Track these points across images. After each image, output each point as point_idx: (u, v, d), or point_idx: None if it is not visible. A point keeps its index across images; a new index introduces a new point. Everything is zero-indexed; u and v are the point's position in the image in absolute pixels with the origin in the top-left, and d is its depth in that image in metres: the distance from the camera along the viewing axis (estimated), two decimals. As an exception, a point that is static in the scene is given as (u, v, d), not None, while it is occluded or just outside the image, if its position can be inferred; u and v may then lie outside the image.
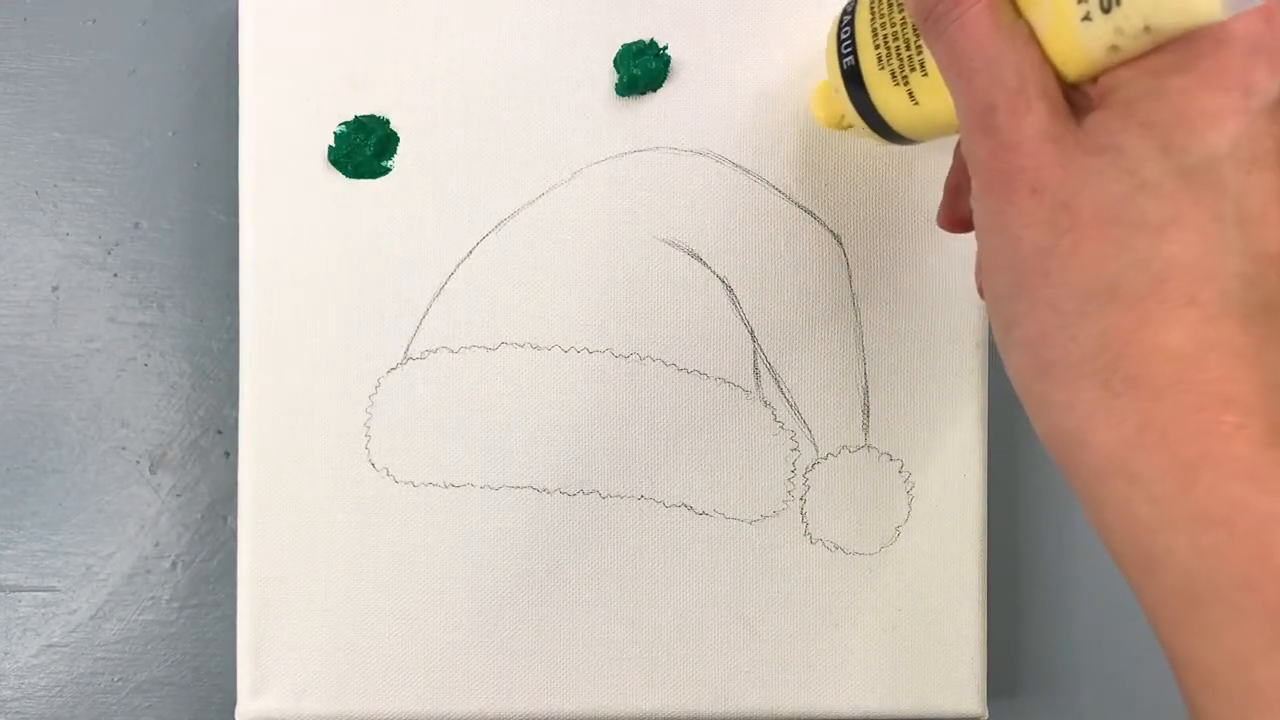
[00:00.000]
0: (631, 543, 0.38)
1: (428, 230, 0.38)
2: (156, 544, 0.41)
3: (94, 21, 0.41)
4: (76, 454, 0.41)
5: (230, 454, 0.39)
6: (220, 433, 0.41)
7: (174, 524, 0.41)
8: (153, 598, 0.41)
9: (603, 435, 0.38)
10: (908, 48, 0.29)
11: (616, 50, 0.38)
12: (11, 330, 0.41)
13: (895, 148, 0.38)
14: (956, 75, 0.25)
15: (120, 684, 0.41)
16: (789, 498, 0.38)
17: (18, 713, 0.41)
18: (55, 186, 0.41)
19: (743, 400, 0.38)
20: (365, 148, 0.38)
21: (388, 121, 0.38)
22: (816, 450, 0.38)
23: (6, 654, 0.41)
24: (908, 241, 0.39)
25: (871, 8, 0.31)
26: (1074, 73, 0.23)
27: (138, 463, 0.41)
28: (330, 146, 0.38)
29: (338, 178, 0.38)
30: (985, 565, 0.38)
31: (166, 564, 0.41)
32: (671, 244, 0.38)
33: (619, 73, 0.38)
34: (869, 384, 0.38)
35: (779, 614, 0.38)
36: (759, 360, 0.38)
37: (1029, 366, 0.24)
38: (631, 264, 0.38)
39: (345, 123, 0.38)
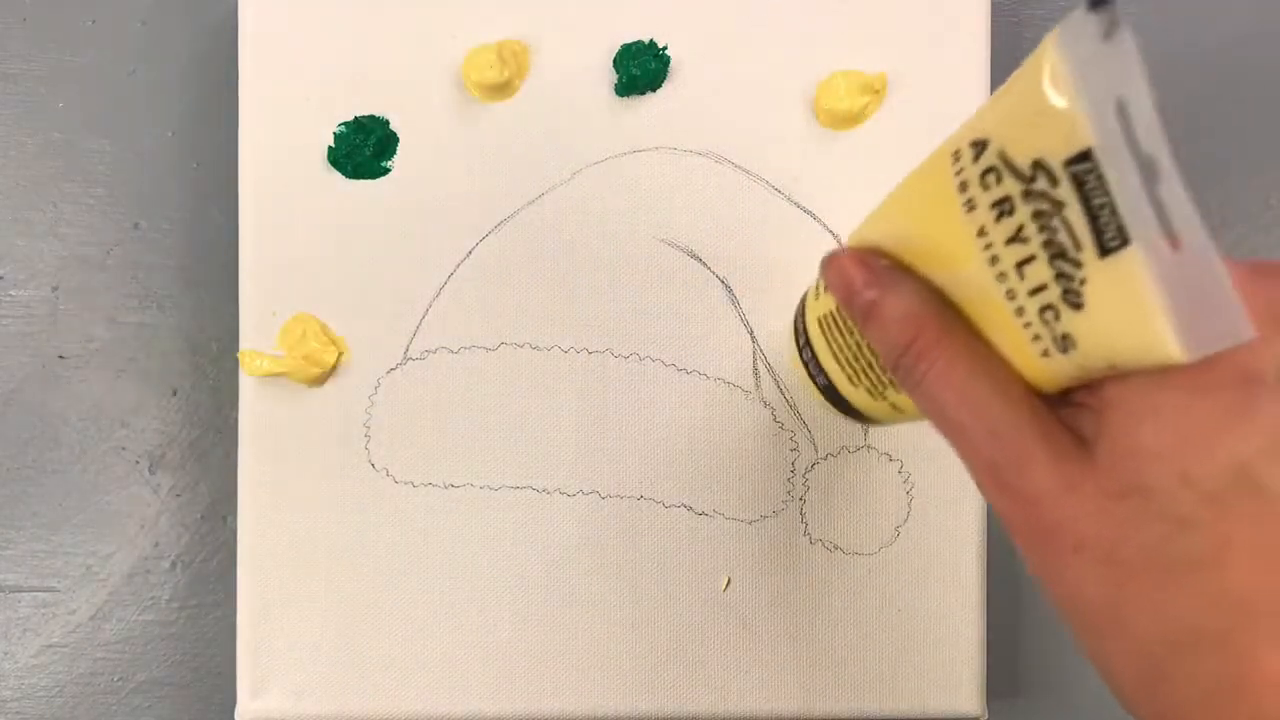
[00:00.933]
0: (631, 543, 0.38)
1: (428, 230, 0.38)
2: (156, 544, 0.41)
3: (94, 21, 0.41)
4: (76, 454, 0.41)
5: (230, 454, 0.39)
6: (220, 433, 0.41)
7: (174, 524, 0.41)
8: (153, 598, 0.41)
9: (603, 435, 0.38)
10: (871, 369, 0.28)
11: (616, 50, 0.38)
12: (11, 330, 0.41)
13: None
14: (945, 429, 0.24)
15: (120, 684, 0.41)
16: (789, 498, 0.38)
17: (18, 713, 0.41)
18: (55, 186, 0.41)
19: (743, 400, 0.38)
20: (365, 148, 0.38)
21: (388, 121, 0.38)
22: (816, 450, 0.38)
23: (6, 654, 0.41)
24: (907, 241, 0.39)
25: (824, 333, 0.29)
26: (1049, 389, 0.22)
27: (138, 463, 0.41)
28: (330, 146, 0.38)
29: (338, 178, 0.38)
30: (985, 565, 0.38)
31: (166, 564, 0.41)
32: (671, 244, 0.38)
33: (619, 73, 0.38)
34: (869, 384, 0.38)
35: (779, 614, 0.38)
36: (759, 360, 0.38)
37: (1148, 716, 0.23)
38: (631, 264, 0.38)
39: (345, 123, 0.38)
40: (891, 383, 0.27)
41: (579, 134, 0.38)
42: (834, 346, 0.29)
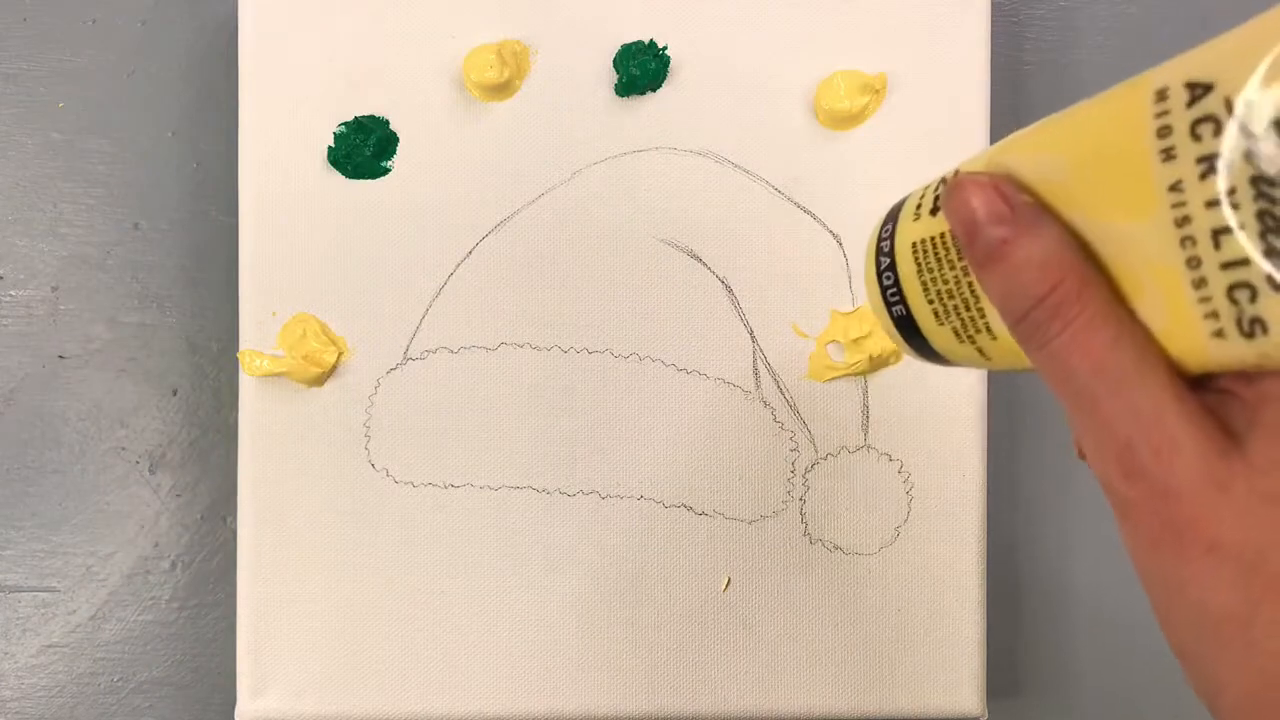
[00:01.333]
0: (631, 543, 0.38)
1: (428, 230, 0.38)
2: (156, 544, 0.41)
3: (94, 21, 0.41)
4: (76, 454, 0.41)
5: (230, 454, 0.39)
6: (220, 433, 0.41)
7: (174, 524, 0.41)
8: (153, 598, 0.41)
9: (602, 435, 0.38)
10: (968, 308, 0.24)
11: (616, 50, 0.38)
12: (11, 330, 0.41)
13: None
14: (1070, 398, 0.21)
15: (120, 684, 0.41)
16: (788, 498, 0.38)
17: (18, 713, 0.41)
18: (55, 186, 0.41)
19: (743, 400, 0.38)
20: (365, 148, 0.38)
21: (387, 122, 0.38)
22: (816, 450, 0.38)
23: (6, 654, 0.41)
24: (907, 241, 0.39)
25: (916, 260, 0.25)
26: (1197, 372, 0.20)
27: (137, 463, 0.41)
28: (330, 146, 0.38)
29: (338, 178, 0.38)
30: (985, 565, 0.38)
31: (166, 564, 0.41)
32: (671, 244, 0.38)
33: (619, 73, 0.38)
34: (868, 384, 0.38)
35: (778, 614, 0.38)
36: (759, 360, 0.38)
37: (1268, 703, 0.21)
38: (631, 264, 0.38)
39: (345, 123, 0.38)
40: (988, 328, 0.24)
41: (579, 134, 0.38)
42: (926, 277, 0.25)
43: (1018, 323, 0.22)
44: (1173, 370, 0.20)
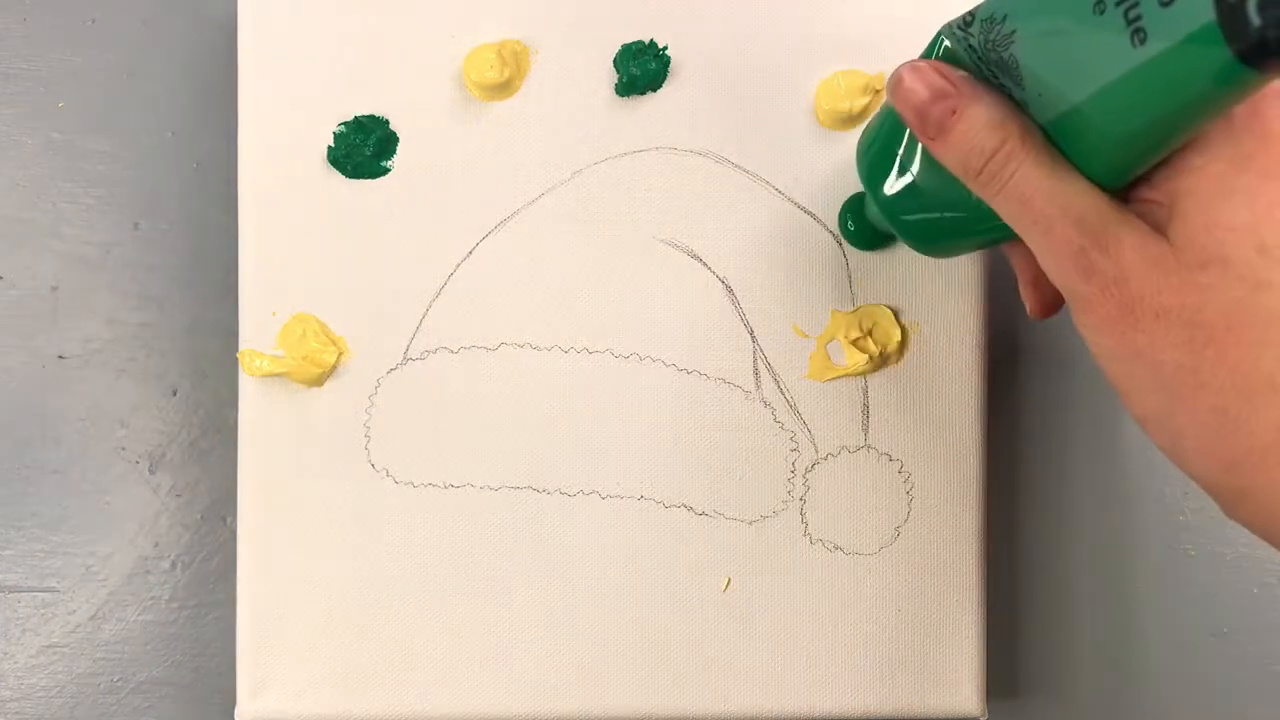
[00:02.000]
0: (631, 543, 0.38)
1: (427, 230, 0.38)
2: (156, 544, 0.41)
3: (94, 21, 0.41)
4: (76, 454, 0.41)
5: (230, 454, 0.39)
6: (220, 433, 0.41)
7: (174, 524, 0.41)
8: (152, 598, 0.41)
9: (603, 435, 0.38)
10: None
11: (616, 50, 0.38)
12: (11, 330, 0.41)
13: None
14: (1031, 225, 0.26)
15: (120, 684, 0.41)
16: (788, 498, 0.38)
17: (17, 713, 0.41)
18: (55, 186, 0.41)
19: (743, 400, 0.38)
20: (365, 148, 0.38)
21: (387, 122, 0.38)
22: (816, 450, 0.38)
23: (6, 654, 0.41)
24: (907, 241, 0.39)
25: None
26: (1119, 184, 0.25)
27: (137, 463, 0.41)
28: (330, 146, 0.38)
29: (337, 178, 0.38)
30: (985, 565, 0.38)
31: (166, 564, 0.41)
32: (671, 244, 0.38)
33: (619, 73, 0.38)
34: (868, 384, 0.38)
35: (778, 614, 0.38)
36: (759, 360, 0.38)
37: (1214, 467, 0.25)
38: (631, 264, 0.38)
39: (345, 123, 0.38)
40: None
41: (579, 134, 0.38)
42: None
43: (977, 176, 0.26)
44: (1100, 189, 0.25)
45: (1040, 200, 0.25)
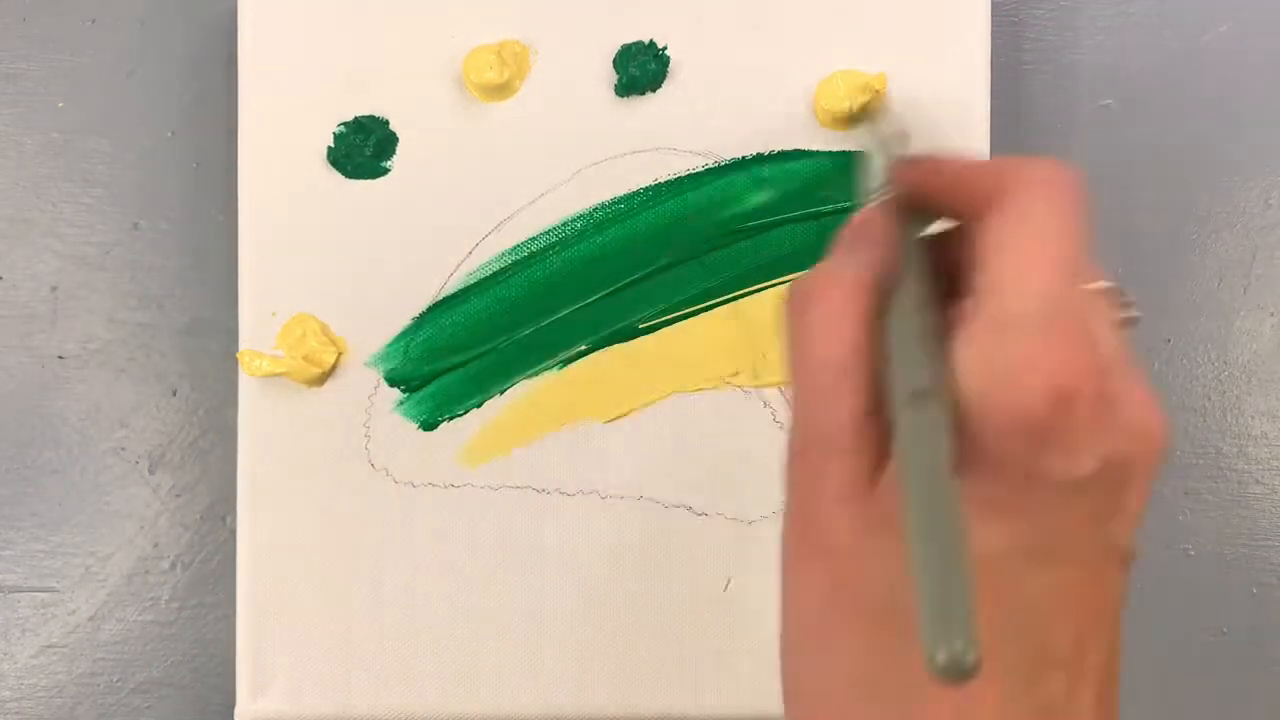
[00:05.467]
0: (632, 543, 0.38)
1: (427, 230, 0.38)
2: (156, 544, 0.41)
3: (94, 21, 0.41)
4: (76, 454, 0.41)
5: (230, 454, 0.39)
6: (220, 433, 0.41)
7: (173, 524, 0.41)
8: (152, 598, 0.41)
9: (603, 435, 0.38)
10: None
11: (616, 50, 0.38)
12: (11, 330, 0.41)
13: None
14: (795, 389, 0.23)
15: (120, 684, 0.41)
16: (789, 498, 0.38)
17: (17, 713, 0.41)
18: (55, 186, 0.41)
19: (743, 400, 0.38)
20: (365, 148, 0.38)
21: (387, 122, 0.38)
22: (816, 450, 0.38)
23: (6, 654, 0.41)
24: (907, 241, 0.39)
25: None
26: None
27: (137, 463, 0.41)
28: (330, 147, 0.38)
29: (337, 178, 0.38)
30: (985, 565, 0.38)
31: (166, 564, 0.41)
32: (672, 244, 0.38)
33: (619, 73, 0.38)
34: (869, 384, 0.38)
35: (778, 614, 0.38)
36: (758, 360, 0.38)
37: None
38: (632, 264, 0.38)
39: (345, 123, 0.38)
40: None
41: (579, 134, 0.38)
42: None
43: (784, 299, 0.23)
44: (869, 408, 0.22)
45: (817, 367, 0.23)
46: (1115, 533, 0.21)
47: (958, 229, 0.23)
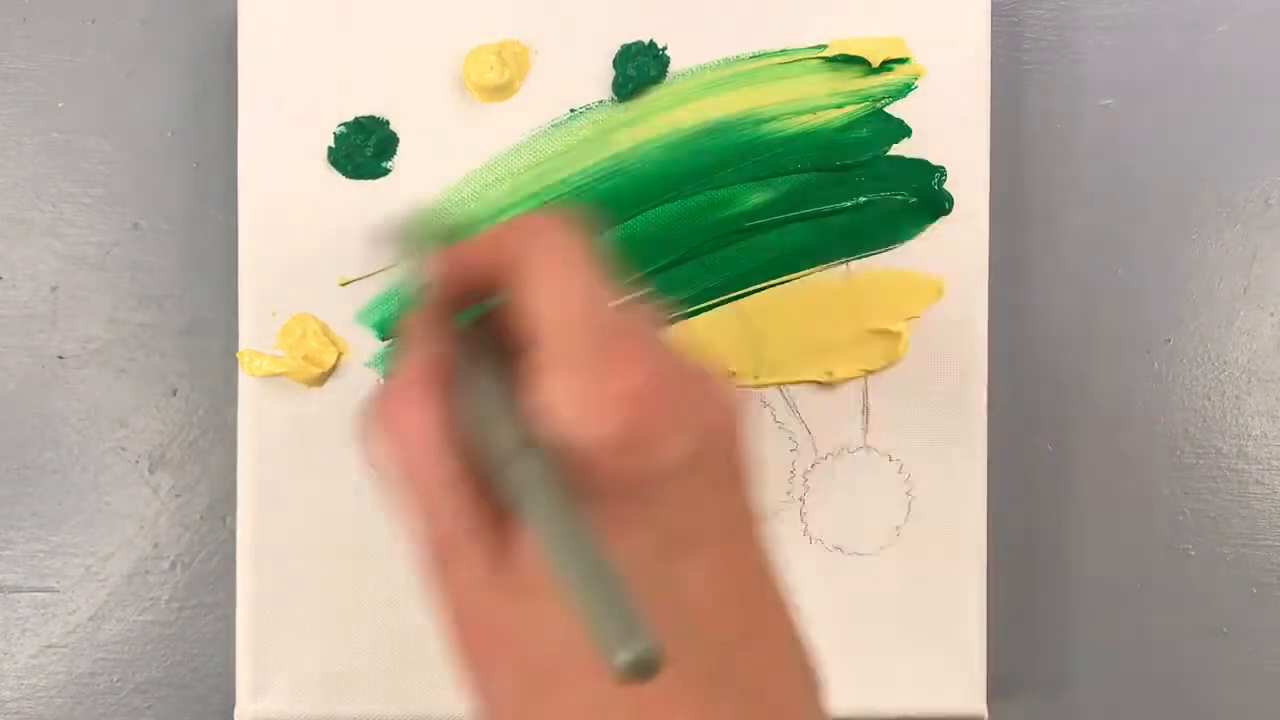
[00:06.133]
0: (631, 543, 0.38)
1: (428, 230, 0.38)
2: (156, 544, 0.41)
3: (94, 21, 0.41)
4: (76, 454, 0.41)
5: (230, 454, 0.39)
6: (220, 433, 0.41)
7: (173, 524, 0.41)
8: (152, 598, 0.41)
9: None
10: None
11: (616, 50, 0.38)
12: (11, 330, 0.41)
13: None
14: (404, 503, 0.24)
15: (120, 684, 0.41)
16: (788, 498, 0.38)
17: (17, 713, 0.41)
18: (55, 186, 0.41)
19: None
20: (365, 148, 0.38)
21: (388, 122, 0.38)
22: (816, 450, 0.38)
23: (6, 654, 0.41)
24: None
25: None
26: None
27: (137, 463, 0.41)
28: (330, 147, 0.38)
29: (337, 178, 0.38)
30: (985, 565, 0.38)
31: (166, 564, 0.41)
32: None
33: (618, 73, 0.38)
34: (868, 384, 0.38)
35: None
36: (758, 360, 0.38)
37: None
38: (631, 264, 0.38)
39: (345, 123, 0.38)
40: None
41: (579, 134, 0.38)
42: None
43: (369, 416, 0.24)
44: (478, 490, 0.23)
45: (421, 486, 0.24)
46: (738, 500, 0.23)
47: (507, 305, 0.25)
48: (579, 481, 0.21)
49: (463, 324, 0.25)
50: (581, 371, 0.22)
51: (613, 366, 0.21)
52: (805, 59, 0.38)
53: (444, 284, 0.26)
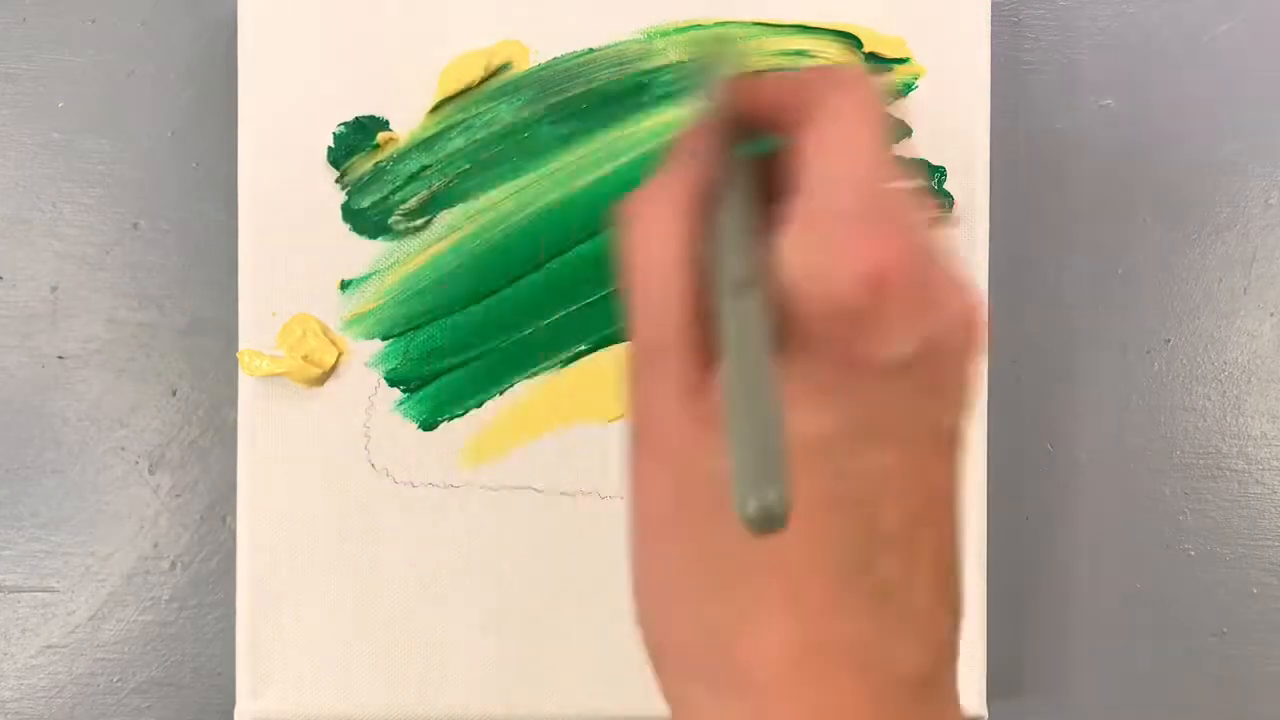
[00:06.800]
0: (631, 543, 0.38)
1: (428, 230, 0.38)
2: (156, 544, 0.41)
3: (94, 21, 0.41)
4: (75, 454, 0.41)
5: (230, 454, 0.39)
6: (220, 433, 0.41)
7: (173, 524, 0.41)
8: (152, 598, 0.41)
9: (603, 434, 0.38)
10: None
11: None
12: (11, 330, 0.41)
13: None
14: (630, 298, 0.23)
15: (120, 684, 0.41)
16: (789, 498, 0.38)
17: (17, 713, 0.41)
18: (54, 186, 0.41)
19: (743, 400, 0.38)
20: (365, 148, 0.38)
21: (388, 122, 0.38)
22: (816, 450, 0.38)
23: (6, 654, 0.41)
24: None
25: None
26: None
27: (137, 463, 0.41)
28: (330, 147, 0.38)
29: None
30: (985, 566, 0.38)
31: (166, 564, 0.41)
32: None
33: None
34: (869, 384, 0.38)
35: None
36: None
37: (648, 640, 0.23)
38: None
39: (345, 123, 0.38)
40: None
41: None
42: None
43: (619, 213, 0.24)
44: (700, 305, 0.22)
45: (647, 277, 0.24)
46: (941, 415, 0.22)
47: (783, 151, 0.24)
48: (793, 336, 0.21)
49: (738, 155, 0.25)
50: (839, 230, 0.21)
51: (870, 236, 0.20)
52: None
53: (730, 109, 0.25)
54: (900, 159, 0.21)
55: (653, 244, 0.23)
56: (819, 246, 0.21)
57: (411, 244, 0.38)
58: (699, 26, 0.38)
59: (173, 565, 0.41)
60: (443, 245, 0.38)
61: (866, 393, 0.21)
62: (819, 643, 0.20)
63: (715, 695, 0.21)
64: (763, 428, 0.19)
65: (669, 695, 0.23)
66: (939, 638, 0.22)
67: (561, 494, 0.38)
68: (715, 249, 0.23)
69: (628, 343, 0.24)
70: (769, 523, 0.18)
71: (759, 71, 0.25)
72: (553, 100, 0.38)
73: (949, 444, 0.22)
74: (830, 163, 0.21)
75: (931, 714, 0.22)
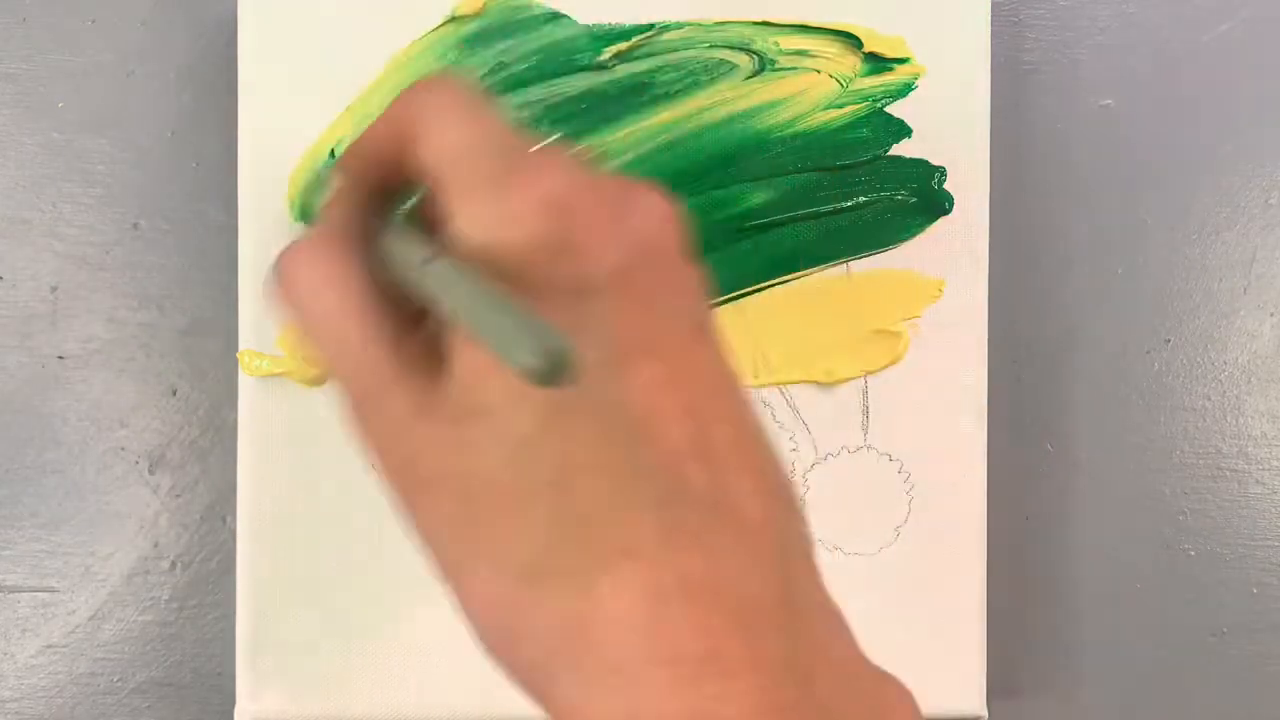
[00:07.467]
0: (631, 543, 0.38)
1: (428, 230, 0.38)
2: (156, 544, 0.41)
3: (94, 21, 0.41)
4: (75, 454, 0.41)
5: (230, 454, 0.39)
6: (220, 433, 0.41)
7: (173, 524, 0.41)
8: (152, 598, 0.41)
9: (603, 435, 0.38)
10: None
11: (616, 50, 0.38)
12: (11, 330, 0.41)
13: None
14: (321, 360, 0.23)
15: (119, 684, 0.41)
16: (789, 498, 0.38)
17: (17, 713, 0.41)
18: (54, 186, 0.41)
19: (743, 400, 0.38)
20: (365, 148, 0.38)
21: (388, 121, 0.38)
22: (816, 450, 0.38)
23: (6, 654, 0.41)
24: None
25: None
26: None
27: (137, 463, 0.41)
28: (332, 149, 0.38)
29: (338, 178, 0.38)
30: (985, 565, 0.38)
31: (166, 564, 0.41)
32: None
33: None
34: (868, 384, 0.38)
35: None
36: (758, 359, 0.38)
37: (493, 644, 0.22)
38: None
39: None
40: None
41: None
42: None
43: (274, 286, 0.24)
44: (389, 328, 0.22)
45: (330, 336, 0.23)
46: (680, 312, 0.22)
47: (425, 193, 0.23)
48: (513, 296, 0.20)
49: (392, 216, 0.24)
50: (493, 186, 0.20)
51: (526, 177, 0.20)
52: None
53: (352, 173, 0.24)
54: (515, 127, 0.21)
55: (323, 296, 0.22)
56: (487, 204, 0.20)
57: (411, 244, 0.38)
58: (699, 26, 0.38)
59: (173, 565, 0.41)
60: (443, 245, 0.38)
61: (601, 315, 0.20)
62: (657, 588, 0.19)
63: (579, 672, 0.20)
64: (509, 308, 0.19)
65: (529, 685, 0.22)
66: (780, 540, 0.21)
67: (561, 494, 0.38)
68: (388, 261, 0.22)
69: (342, 405, 0.23)
70: (560, 369, 0.17)
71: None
72: (552, 101, 0.38)
73: (702, 335, 0.22)
74: (450, 148, 0.21)
75: (812, 626, 0.22)
